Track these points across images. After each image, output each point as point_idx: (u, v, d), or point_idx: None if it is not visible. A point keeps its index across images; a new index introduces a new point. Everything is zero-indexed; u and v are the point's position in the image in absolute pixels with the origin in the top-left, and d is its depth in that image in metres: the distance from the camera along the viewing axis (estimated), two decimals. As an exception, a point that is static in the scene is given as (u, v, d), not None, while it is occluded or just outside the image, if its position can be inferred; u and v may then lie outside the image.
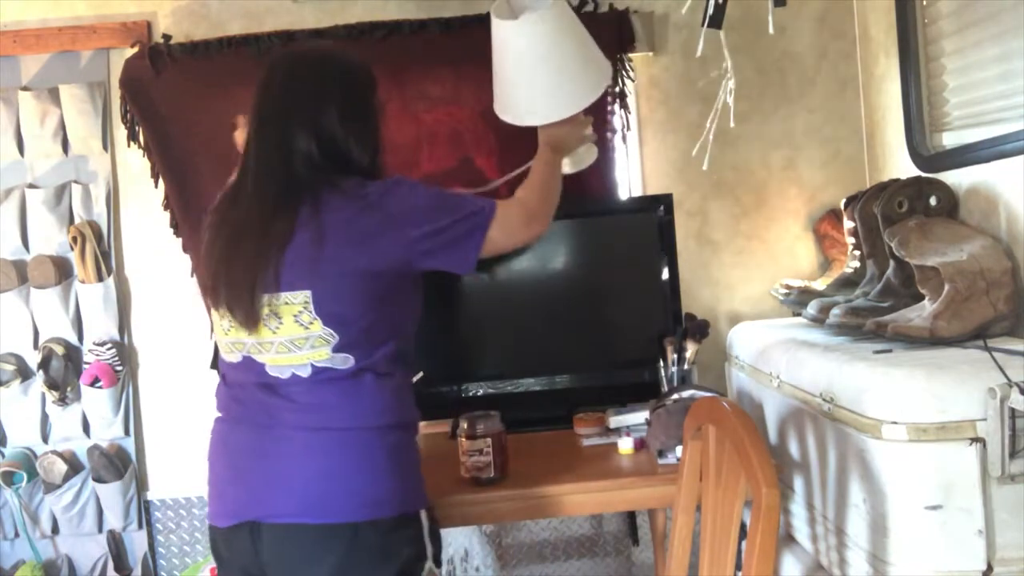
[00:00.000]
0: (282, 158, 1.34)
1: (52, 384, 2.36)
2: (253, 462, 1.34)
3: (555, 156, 1.58)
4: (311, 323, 1.30)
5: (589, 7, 2.35)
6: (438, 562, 1.39)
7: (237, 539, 1.35)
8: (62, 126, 2.41)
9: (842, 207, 2.02)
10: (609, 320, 2.21)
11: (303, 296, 1.29)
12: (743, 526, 1.34)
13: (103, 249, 2.41)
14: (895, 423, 1.31)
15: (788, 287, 2.11)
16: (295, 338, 1.31)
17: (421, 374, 1.94)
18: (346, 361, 1.32)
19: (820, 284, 2.19)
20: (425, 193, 1.37)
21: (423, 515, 1.38)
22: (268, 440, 1.34)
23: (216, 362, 1.65)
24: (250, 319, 1.31)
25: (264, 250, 1.30)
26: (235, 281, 1.32)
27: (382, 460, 1.33)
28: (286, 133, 1.35)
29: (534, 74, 1.51)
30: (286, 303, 1.30)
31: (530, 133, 2.31)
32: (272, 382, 1.35)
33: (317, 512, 1.29)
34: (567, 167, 1.64)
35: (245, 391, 1.39)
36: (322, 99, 1.36)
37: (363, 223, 1.30)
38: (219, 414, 1.45)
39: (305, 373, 1.32)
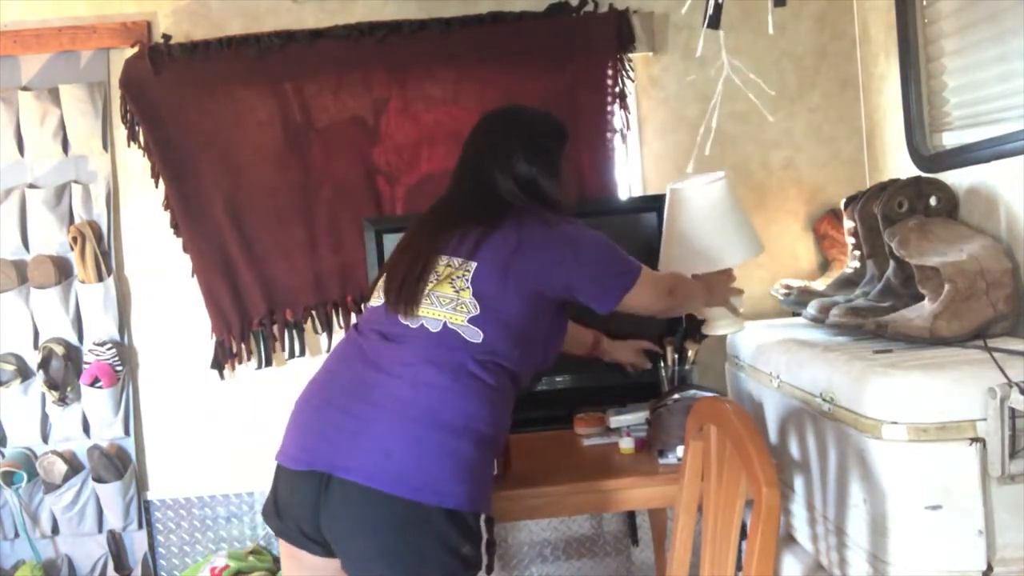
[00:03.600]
0: (483, 187, 1.56)
1: (52, 384, 2.36)
2: (342, 417, 1.38)
3: (705, 292, 1.76)
4: (462, 290, 1.43)
5: (589, 7, 2.35)
6: (490, 569, 1.42)
7: (304, 486, 1.37)
8: (62, 126, 2.41)
9: (842, 207, 2.03)
10: (609, 320, 2.20)
11: (469, 266, 1.44)
12: (744, 526, 1.34)
13: (103, 249, 2.41)
14: (895, 423, 1.31)
15: (788, 287, 2.11)
16: (442, 296, 1.43)
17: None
18: (475, 336, 1.41)
19: (820, 284, 2.19)
20: (602, 241, 1.54)
21: (483, 522, 1.40)
22: (365, 402, 1.39)
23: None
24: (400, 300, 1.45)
25: (451, 230, 1.48)
26: (421, 241, 1.50)
27: (468, 457, 1.37)
28: (486, 172, 1.56)
29: (697, 234, 1.79)
30: (448, 266, 1.45)
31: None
32: (395, 332, 1.43)
33: (390, 482, 1.32)
34: (708, 328, 1.85)
35: (368, 340, 1.47)
36: (511, 147, 1.57)
37: (552, 248, 1.48)
38: (327, 364, 1.52)
39: (435, 328, 1.41)
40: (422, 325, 1.42)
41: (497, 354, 1.43)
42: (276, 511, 1.44)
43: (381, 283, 1.53)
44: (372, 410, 1.37)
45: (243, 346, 2.41)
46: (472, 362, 1.40)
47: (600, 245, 1.53)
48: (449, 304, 1.42)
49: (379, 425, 1.36)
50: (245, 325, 2.40)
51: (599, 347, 1.94)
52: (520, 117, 1.64)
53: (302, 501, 1.38)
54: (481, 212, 1.50)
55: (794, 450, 1.69)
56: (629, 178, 2.43)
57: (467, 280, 1.43)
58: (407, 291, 1.43)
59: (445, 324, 1.41)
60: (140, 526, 2.44)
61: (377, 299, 1.52)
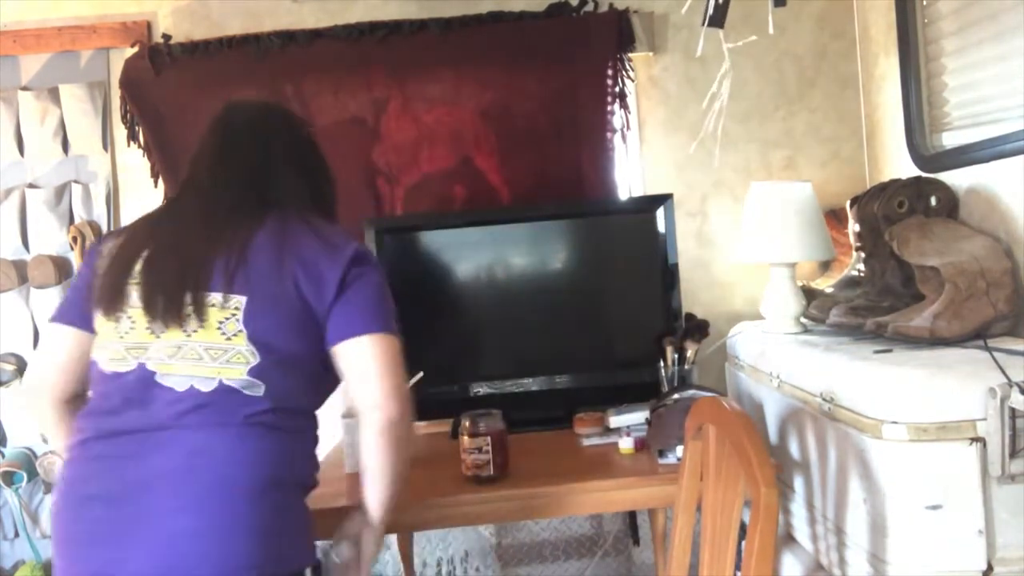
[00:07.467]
0: (235, 184, 1.37)
1: (52, 384, 2.36)
2: (111, 511, 1.16)
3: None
4: (235, 334, 1.23)
5: (589, 7, 2.35)
6: None
7: None
8: (62, 126, 2.41)
9: (848, 208, 2.02)
10: (609, 320, 2.21)
11: (236, 302, 1.23)
12: (743, 525, 1.34)
13: (103, 249, 2.41)
14: (895, 423, 1.31)
15: (788, 287, 2.10)
16: (211, 346, 1.22)
17: (421, 375, 1.94)
18: (256, 389, 1.22)
19: (820, 284, 2.20)
20: (379, 288, 1.33)
21: (308, 573, 1.24)
22: (133, 483, 1.16)
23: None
24: (170, 312, 1.23)
25: (208, 250, 1.27)
26: (164, 270, 1.26)
27: (267, 518, 1.18)
28: (238, 171, 1.38)
29: (780, 227, 1.94)
30: (212, 305, 1.23)
31: (528, 135, 2.33)
32: (157, 399, 1.21)
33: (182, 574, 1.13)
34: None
35: (119, 417, 1.22)
36: (267, 143, 1.41)
37: (323, 268, 1.28)
38: (72, 453, 1.24)
39: (207, 387, 1.20)
40: (192, 387, 1.20)
41: (289, 401, 1.25)
42: None
43: (115, 341, 1.25)
44: (145, 492, 1.15)
45: (243, 346, 2.40)
46: (257, 423, 1.21)
47: (375, 293, 1.32)
48: (222, 356, 1.21)
49: (157, 510, 1.14)
50: (245, 325, 2.39)
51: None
52: (272, 115, 1.47)
53: None
54: (229, 219, 1.31)
55: (794, 450, 1.69)
56: (629, 178, 2.43)
57: (239, 321, 1.22)
58: (169, 317, 1.22)
59: (220, 381, 1.20)
60: (140, 526, 2.43)
61: (121, 360, 1.24)
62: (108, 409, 1.23)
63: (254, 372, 1.22)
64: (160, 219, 1.37)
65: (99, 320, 1.29)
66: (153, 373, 1.22)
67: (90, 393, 1.29)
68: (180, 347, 1.22)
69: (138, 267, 1.28)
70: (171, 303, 1.23)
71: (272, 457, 1.21)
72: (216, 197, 1.34)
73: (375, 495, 1.32)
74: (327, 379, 1.32)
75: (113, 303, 1.27)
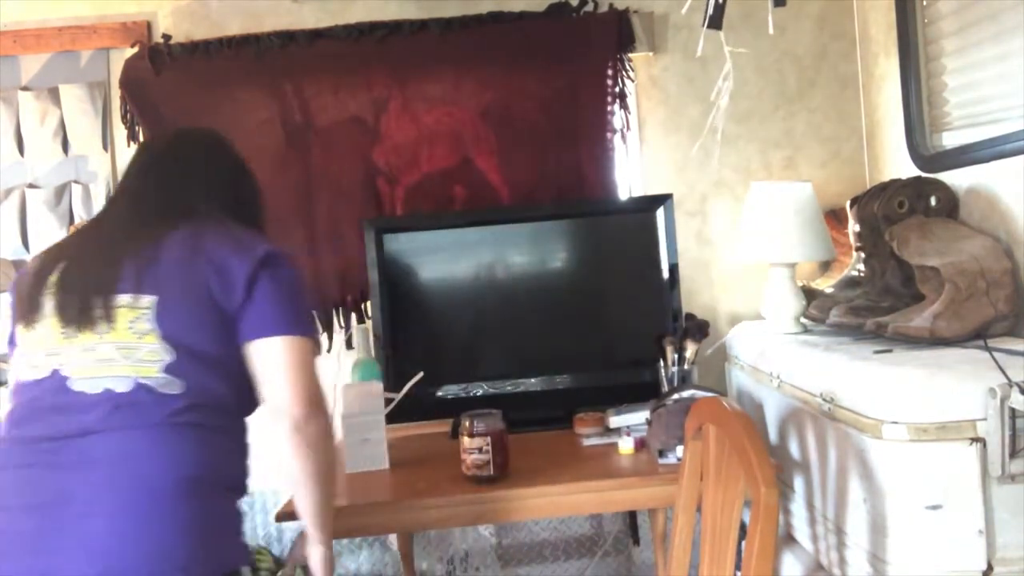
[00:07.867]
0: (152, 197, 1.39)
1: (52, 384, 2.36)
2: (35, 520, 1.14)
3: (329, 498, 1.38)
4: (146, 334, 1.23)
5: (589, 7, 2.36)
6: None
7: None
8: (62, 126, 2.41)
9: (848, 208, 2.02)
10: (609, 320, 2.21)
11: (146, 301, 1.24)
12: (743, 526, 1.34)
13: (103, 249, 2.41)
14: (895, 423, 1.31)
15: (788, 287, 2.10)
16: (124, 345, 1.22)
17: (420, 375, 1.95)
18: (173, 387, 1.22)
19: (820, 284, 2.20)
20: (291, 288, 1.32)
21: (245, 572, 1.24)
22: (56, 491, 1.16)
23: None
24: (82, 316, 1.24)
25: (118, 253, 1.29)
26: (77, 277, 1.28)
27: (193, 518, 1.18)
28: (155, 185, 1.40)
29: (780, 227, 1.96)
30: (122, 305, 1.24)
31: (528, 135, 2.33)
32: (73, 404, 1.20)
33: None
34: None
35: (36, 424, 1.22)
36: (188, 160, 1.44)
37: (233, 266, 1.28)
38: None
39: (123, 387, 1.20)
40: (106, 389, 1.20)
41: (208, 399, 1.24)
42: None
43: (32, 349, 1.27)
44: (65, 498, 1.15)
45: (243, 346, 2.39)
46: (179, 423, 1.21)
47: (291, 298, 1.31)
48: (133, 355, 1.21)
49: (81, 514, 1.14)
50: (245, 325, 2.39)
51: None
52: (165, 134, 1.54)
53: None
54: (144, 222, 1.33)
55: (794, 450, 1.69)
56: (629, 178, 2.43)
57: (151, 321, 1.23)
58: (101, 350, 1.22)
59: (136, 381, 1.20)
60: (140, 526, 2.43)
61: (35, 369, 1.25)
62: (24, 417, 1.23)
63: (170, 369, 1.22)
64: (79, 234, 1.40)
65: (20, 331, 1.30)
66: (66, 378, 1.22)
67: (10, 403, 1.28)
68: (93, 349, 1.23)
69: (54, 278, 1.29)
70: (83, 307, 1.24)
71: (194, 457, 1.21)
72: (132, 209, 1.37)
73: (301, 504, 1.32)
74: (253, 380, 1.29)
75: (30, 313, 1.29)
